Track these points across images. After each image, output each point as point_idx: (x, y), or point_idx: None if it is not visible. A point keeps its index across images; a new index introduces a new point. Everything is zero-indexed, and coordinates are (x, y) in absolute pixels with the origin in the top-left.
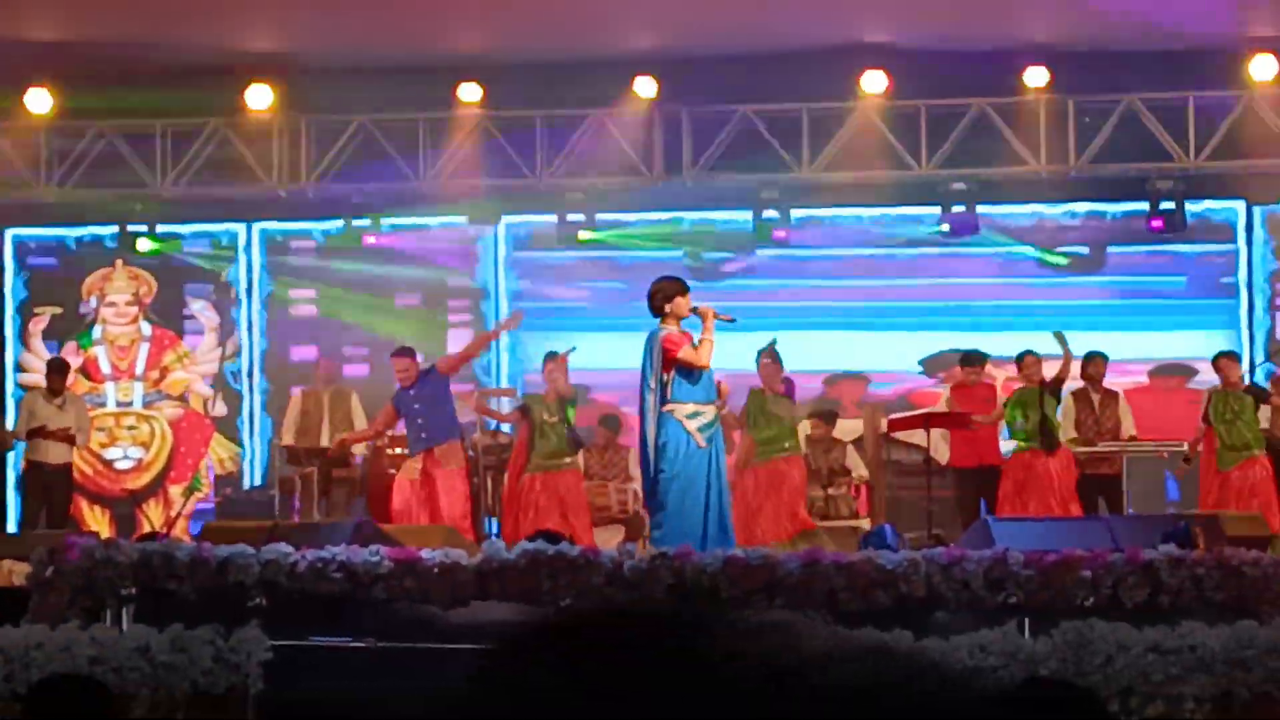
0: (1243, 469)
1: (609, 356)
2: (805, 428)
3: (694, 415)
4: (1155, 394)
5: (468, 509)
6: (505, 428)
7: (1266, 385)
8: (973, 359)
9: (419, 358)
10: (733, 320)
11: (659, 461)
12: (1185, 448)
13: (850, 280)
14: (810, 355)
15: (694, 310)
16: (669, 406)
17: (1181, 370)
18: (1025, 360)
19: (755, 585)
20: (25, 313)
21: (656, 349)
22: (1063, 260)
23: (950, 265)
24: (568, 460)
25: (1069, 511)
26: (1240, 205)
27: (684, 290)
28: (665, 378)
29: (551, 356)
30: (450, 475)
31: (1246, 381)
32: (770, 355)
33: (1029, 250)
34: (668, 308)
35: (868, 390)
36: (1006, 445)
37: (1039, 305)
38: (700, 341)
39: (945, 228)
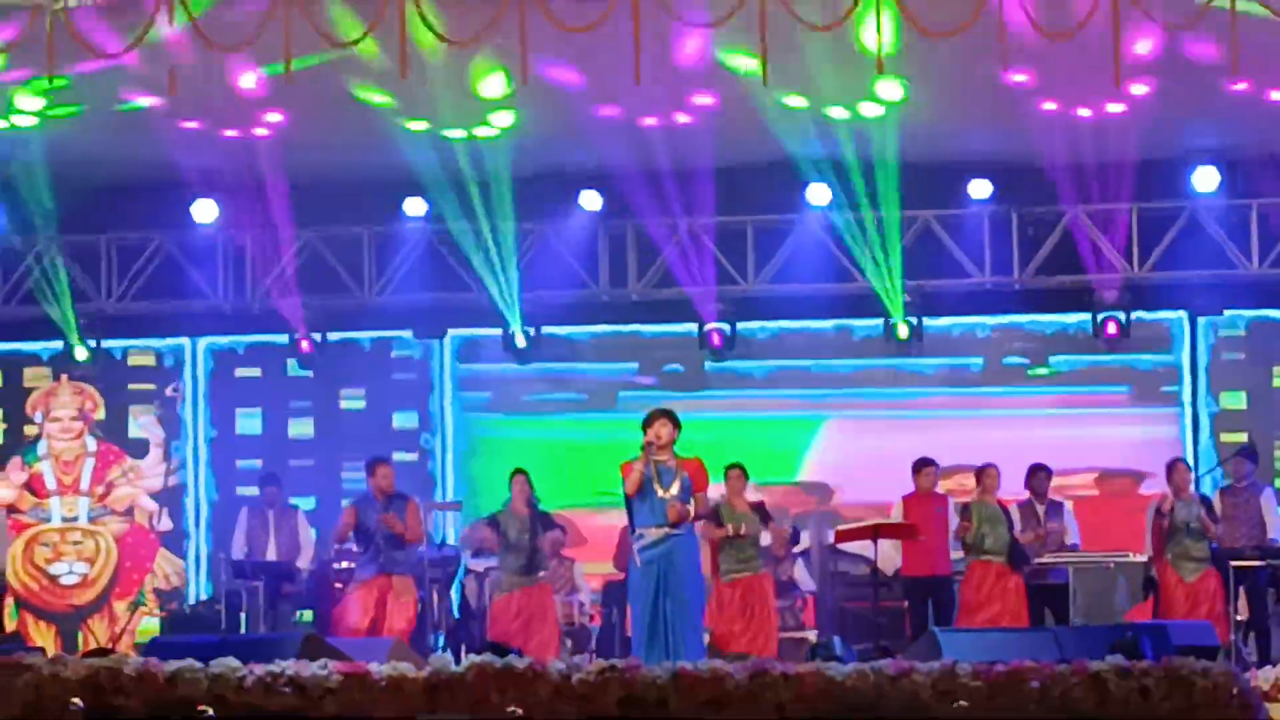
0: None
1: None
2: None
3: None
4: (1103, 503)
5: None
6: (451, 542)
7: (1213, 495)
8: (924, 465)
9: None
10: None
11: None
12: (1130, 557)
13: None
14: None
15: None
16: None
17: (1129, 475)
18: (986, 473)
19: (704, 697)
20: None
21: None
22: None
23: (896, 375)
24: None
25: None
26: (1183, 315)
27: (646, 422)
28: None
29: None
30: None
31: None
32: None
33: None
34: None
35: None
36: (957, 554)
37: (986, 414)
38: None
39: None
